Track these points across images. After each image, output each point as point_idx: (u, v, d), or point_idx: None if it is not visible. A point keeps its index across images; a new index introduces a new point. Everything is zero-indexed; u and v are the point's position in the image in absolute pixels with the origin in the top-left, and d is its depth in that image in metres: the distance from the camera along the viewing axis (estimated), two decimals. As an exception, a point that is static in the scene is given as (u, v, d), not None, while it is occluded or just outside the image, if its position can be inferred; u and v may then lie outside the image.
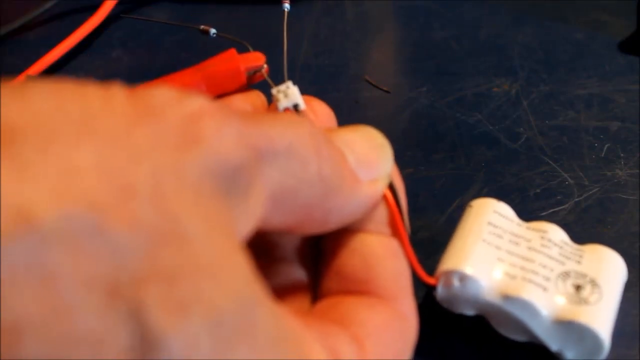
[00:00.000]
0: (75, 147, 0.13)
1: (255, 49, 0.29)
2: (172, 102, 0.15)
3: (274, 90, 0.25)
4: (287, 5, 0.29)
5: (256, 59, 0.29)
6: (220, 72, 0.29)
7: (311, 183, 0.18)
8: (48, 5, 0.46)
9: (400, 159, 0.33)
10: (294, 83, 0.25)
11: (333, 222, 0.20)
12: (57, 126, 0.13)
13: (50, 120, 0.13)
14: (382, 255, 0.21)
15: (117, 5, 0.45)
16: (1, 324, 0.12)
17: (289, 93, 0.25)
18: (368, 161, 0.21)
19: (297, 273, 0.22)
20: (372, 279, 0.21)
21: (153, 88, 0.16)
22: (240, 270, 0.15)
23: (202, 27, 0.32)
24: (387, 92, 0.38)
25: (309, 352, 0.17)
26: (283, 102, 0.25)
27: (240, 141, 0.16)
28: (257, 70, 0.29)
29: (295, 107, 0.25)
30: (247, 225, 0.17)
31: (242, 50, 0.29)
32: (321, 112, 0.25)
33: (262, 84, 0.28)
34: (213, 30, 0.31)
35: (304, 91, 0.25)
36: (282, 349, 0.16)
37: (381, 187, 0.21)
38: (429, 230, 0.29)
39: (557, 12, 0.42)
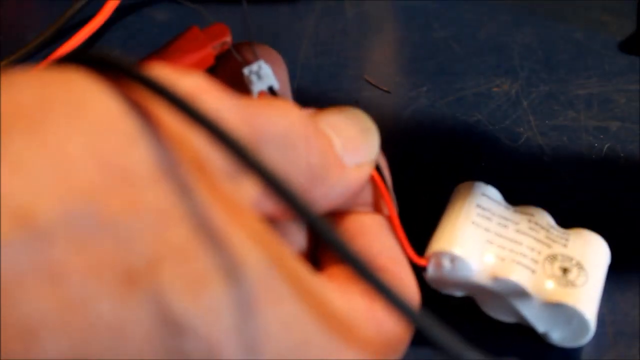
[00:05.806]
0: (65, 135, 0.13)
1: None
2: (165, 82, 0.15)
3: (245, 71, 0.23)
4: None
5: (221, 33, 0.27)
6: (188, 58, 0.27)
7: (299, 172, 0.18)
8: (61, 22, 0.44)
9: (401, 159, 0.33)
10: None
11: (317, 208, 0.20)
12: (45, 116, 0.13)
13: (38, 110, 0.13)
14: (377, 233, 0.21)
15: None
16: (13, 327, 0.11)
17: (263, 74, 0.23)
18: (355, 146, 0.20)
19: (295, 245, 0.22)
20: (371, 258, 0.21)
21: (144, 70, 0.15)
22: (254, 235, 0.15)
23: None
24: (387, 92, 0.38)
25: (332, 303, 0.17)
26: (257, 85, 0.23)
27: (241, 119, 0.16)
28: (223, 43, 0.27)
29: (271, 89, 0.23)
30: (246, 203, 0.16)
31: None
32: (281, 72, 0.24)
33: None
34: None
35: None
36: (306, 302, 0.16)
37: (367, 171, 0.21)
38: (429, 230, 0.29)
39: (557, 12, 0.42)
